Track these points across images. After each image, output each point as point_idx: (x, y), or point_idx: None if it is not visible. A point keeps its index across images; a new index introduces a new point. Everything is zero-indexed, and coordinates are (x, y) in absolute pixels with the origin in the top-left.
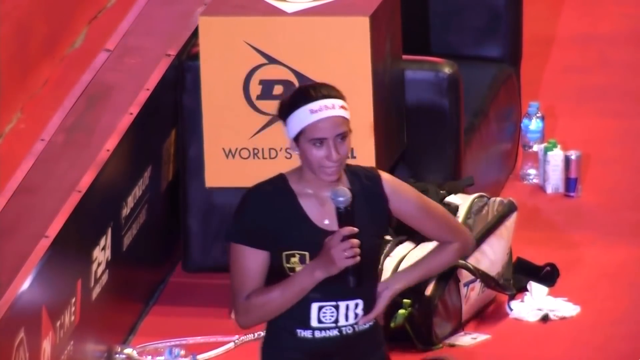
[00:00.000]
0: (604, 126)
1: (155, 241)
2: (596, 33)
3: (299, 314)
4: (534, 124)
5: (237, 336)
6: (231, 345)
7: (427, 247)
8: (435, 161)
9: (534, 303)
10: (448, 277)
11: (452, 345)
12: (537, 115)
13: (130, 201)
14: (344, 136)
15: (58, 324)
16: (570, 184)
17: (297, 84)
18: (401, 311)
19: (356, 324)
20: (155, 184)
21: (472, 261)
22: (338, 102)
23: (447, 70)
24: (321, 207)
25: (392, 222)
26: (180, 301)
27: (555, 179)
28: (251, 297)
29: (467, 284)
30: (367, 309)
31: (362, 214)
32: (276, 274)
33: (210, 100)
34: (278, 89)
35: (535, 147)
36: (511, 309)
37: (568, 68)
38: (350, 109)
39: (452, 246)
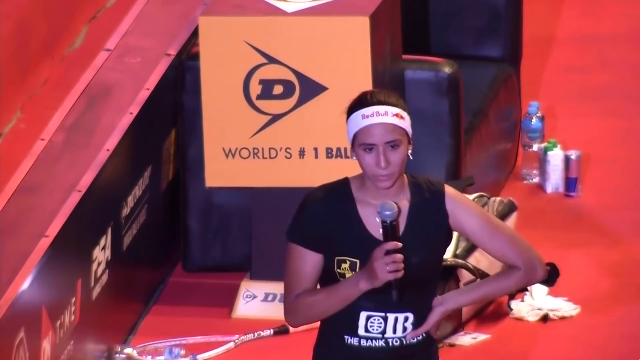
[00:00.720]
0: (604, 126)
1: (155, 241)
2: (596, 33)
3: (348, 320)
4: (534, 124)
5: (237, 336)
6: (231, 345)
7: None
8: (435, 161)
9: (534, 303)
10: (448, 277)
11: (452, 345)
12: (537, 115)
13: (130, 201)
14: (395, 144)
15: (58, 323)
16: (570, 183)
17: (297, 83)
18: None
19: (404, 337)
20: (155, 183)
21: (472, 261)
22: (392, 109)
23: (447, 70)
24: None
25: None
26: (180, 301)
27: (555, 179)
28: (299, 298)
29: (467, 284)
30: (417, 323)
31: (416, 227)
32: (328, 278)
33: (210, 100)
34: (278, 89)
35: (535, 147)
36: (511, 309)
37: (568, 68)
38: None
39: (517, 272)
